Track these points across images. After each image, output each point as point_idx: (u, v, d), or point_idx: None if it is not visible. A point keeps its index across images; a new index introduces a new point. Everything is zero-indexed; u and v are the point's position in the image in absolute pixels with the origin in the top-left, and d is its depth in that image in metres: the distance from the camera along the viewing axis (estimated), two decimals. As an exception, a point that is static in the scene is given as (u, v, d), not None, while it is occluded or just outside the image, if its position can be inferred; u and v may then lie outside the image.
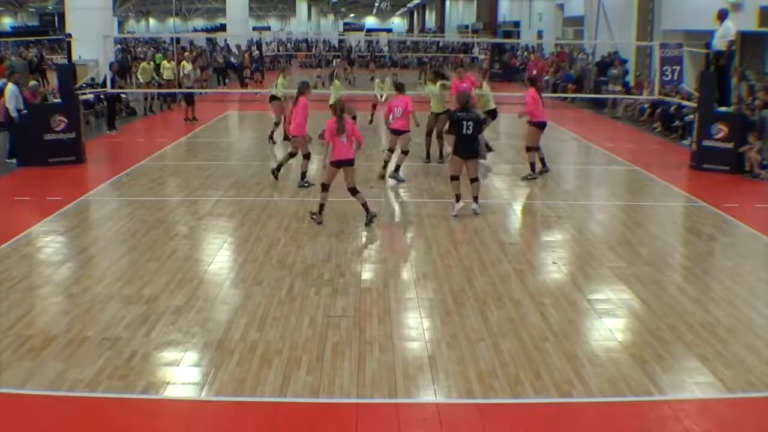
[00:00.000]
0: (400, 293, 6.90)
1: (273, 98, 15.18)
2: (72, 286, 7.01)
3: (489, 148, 13.13)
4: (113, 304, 6.52)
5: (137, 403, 4.93)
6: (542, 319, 6.33)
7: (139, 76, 20.61)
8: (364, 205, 9.01)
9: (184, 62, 20.17)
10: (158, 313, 6.33)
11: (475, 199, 9.60)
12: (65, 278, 7.28)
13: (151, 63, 21.40)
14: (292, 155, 11.38)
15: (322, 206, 9.05)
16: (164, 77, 20.56)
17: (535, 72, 21.70)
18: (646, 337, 5.99)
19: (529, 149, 11.84)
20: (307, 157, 11.08)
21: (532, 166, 11.83)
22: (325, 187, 8.98)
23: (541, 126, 11.72)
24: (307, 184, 11.03)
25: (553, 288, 7.13)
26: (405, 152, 11.64)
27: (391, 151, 11.76)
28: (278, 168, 11.40)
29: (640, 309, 6.60)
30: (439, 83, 13.10)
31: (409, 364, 5.46)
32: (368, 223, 8.94)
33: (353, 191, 9.01)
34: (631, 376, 5.32)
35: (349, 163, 8.90)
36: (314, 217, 9.08)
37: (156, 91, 20.12)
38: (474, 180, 9.52)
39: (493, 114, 13.23)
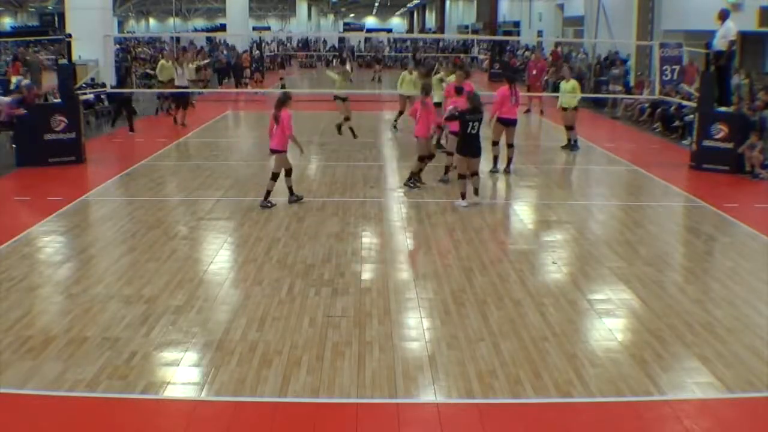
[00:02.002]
0: (400, 293, 6.90)
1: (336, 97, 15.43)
2: (72, 286, 7.01)
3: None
4: (113, 304, 6.52)
5: (137, 403, 4.93)
6: (542, 319, 6.33)
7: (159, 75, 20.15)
8: (269, 193, 9.92)
9: (163, 61, 19.72)
10: (158, 313, 6.33)
11: (476, 191, 10.10)
12: (65, 278, 7.28)
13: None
14: (421, 159, 11.14)
15: (269, 192, 9.93)
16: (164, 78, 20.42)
17: (535, 72, 21.63)
18: (646, 337, 5.99)
19: (493, 143, 12.26)
20: (421, 159, 11.06)
21: (495, 159, 12.30)
22: (274, 176, 9.91)
23: (503, 122, 12.13)
24: (413, 185, 11.02)
25: (553, 288, 7.13)
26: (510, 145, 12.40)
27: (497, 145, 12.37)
28: (417, 174, 11.16)
29: (640, 309, 6.60)
30: (436, 77, 13.92)
31: (409, 364, 5.46)
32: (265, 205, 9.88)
33: (275, 176, 9.93)
34: (631, 376, 5.32)
35: (274, 151, 9.84)
36: (268, 204, 9.85)
37: (158, 91, 20.02)
38: (474, 174, 10.04)
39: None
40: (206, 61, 20.36)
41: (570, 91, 14.43)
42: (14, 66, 21.70)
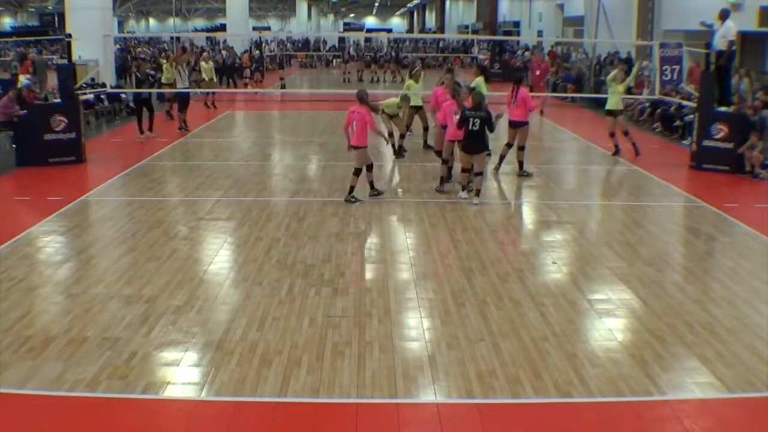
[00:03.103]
0: (400, 293, 6.90)
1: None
2: (72, 286, 7.01)
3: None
4: (113, 304, 6.52)
5: (137, 403, 4.93)
6: (542, 319, 6.33)
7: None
8: (370, 183, 10.33)
9: (166, 65, 19.29)
10: (158, 313, 6.33)
11: (477, 192, 10.06)
12: (65, 278, 7.28)
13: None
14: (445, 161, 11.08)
15: (353, 188, 10.22)
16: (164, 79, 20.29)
17: (538, 72, 21.63)
18: (646, 337, 5.99)
19: (505, 144, 12.35)
20: (445, 162, 11.13)
21: (500, 159, 12.40)
22: (357, 171, 10.26)
23: (509, 125, 12.14)
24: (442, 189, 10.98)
25: (553, 288, 7.13)
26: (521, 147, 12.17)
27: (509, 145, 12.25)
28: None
29: (640, 309, 6.60)
30: (419, 83, 14.42)
31: (409, 364, 5.46)
32: (351, 200, 10.14)
33: (357, 171, 10.18)
34: (631, 376, 5.32)
35: (356, 147, 10.08)
36: (352, 198, 10.14)
37: (157, 91, 19.93)
38: (478, 174, 10.04)
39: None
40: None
41: (620, 93, 13.66)
42: (23, 66, 21.72)
